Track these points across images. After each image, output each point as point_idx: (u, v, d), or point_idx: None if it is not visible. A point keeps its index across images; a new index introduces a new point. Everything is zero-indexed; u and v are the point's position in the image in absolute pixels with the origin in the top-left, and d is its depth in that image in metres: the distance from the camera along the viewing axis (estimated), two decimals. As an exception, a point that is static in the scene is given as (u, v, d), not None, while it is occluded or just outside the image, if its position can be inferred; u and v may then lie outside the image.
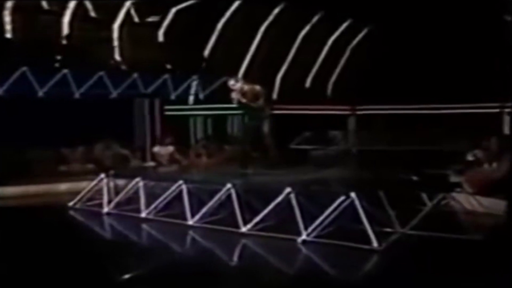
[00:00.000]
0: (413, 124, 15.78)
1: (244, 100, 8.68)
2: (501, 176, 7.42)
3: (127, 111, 12.35)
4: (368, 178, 8.12)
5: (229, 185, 7.50)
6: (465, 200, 7.61)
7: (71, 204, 8.95)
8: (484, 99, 14.78)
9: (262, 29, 15.32)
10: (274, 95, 16.15)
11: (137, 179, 8.48)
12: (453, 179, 9.44)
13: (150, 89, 12.32)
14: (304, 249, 6.39)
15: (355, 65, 16.97)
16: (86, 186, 9.51)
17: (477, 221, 6.90)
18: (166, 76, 12.69)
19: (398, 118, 16.29)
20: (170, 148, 11.66)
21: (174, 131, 12.58)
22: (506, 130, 14.91)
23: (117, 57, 12.45)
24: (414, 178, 8.53)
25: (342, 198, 6.61)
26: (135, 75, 12.13)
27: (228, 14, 14.64)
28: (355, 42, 17.15)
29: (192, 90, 13.91)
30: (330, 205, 6.69)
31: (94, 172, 10.65)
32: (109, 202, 8.58)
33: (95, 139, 11.30)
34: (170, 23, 13.93)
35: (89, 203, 8.91)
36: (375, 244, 6.13)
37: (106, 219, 8.20)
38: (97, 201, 8.89)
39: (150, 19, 14.10)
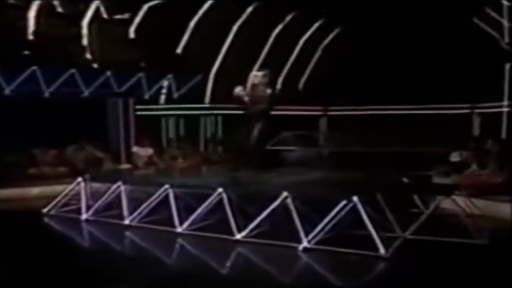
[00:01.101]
0: (386, 124, 15.68)
1: (246, 100, 8.15)
2: (504, 179, 7.21)
3: (100, 111, 11.61)
4: (360, 180, 7.75)
5: (220, 189, 7.01)
6: (461, 203, 7.34)
7: (45, 210, 8.24)
8: (455, 100, 14.81)
9: (235, 28, 14.87)
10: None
11: (119, 183, 7.86)
12: (438, 180, 9.24)
13: (124, 88, 11.63)
14: (306, 257, 5.96)
15: (326, 65, 16.72)
16: (59, 190, 8.84)
17: (477, 224, 6.62)
18: (141, 74, 12.03)
19: (371, 118, 16.19)
20: (150, 150, 11.04)
21: (147, 132, 11.95)
22: (476, 131, 14.98)
23: (88, 54, 11.71)
24: (405, 180, 8.24)
25: (344, 202, 6.25)
26: (108, 73, 11.41)
27: (201, 12, 14.11)
28: (326, 41, 16.91)
29: (164, 90, 13.28)
30: (329, 209, 6.35)
31: (67, 175, 9.99)
32: (88, 207, 7.93)
33: (66, 140, 10.53)
34: (142, 20, 13.30)
35: (65, 209, 8.23)
36: (382, 250, 5.77)
37: (85, 227, 7.52)
38: (73, 207, 8.22)
39: (120, 16, 13.42)
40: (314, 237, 6.16)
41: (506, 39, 10.54)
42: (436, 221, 6.63)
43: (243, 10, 14.75)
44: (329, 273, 5.59)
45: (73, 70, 10.84)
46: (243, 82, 15.49)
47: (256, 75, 8.30)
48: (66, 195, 8.31)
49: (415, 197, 7.96)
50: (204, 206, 7.01)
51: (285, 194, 6.58)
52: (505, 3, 12.69)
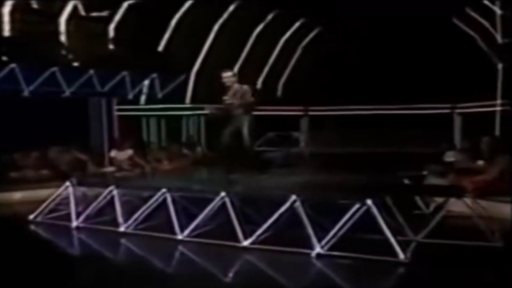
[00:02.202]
0: (367, 124, 15.53)
1: (230, 101, 7.73)
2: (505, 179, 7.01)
3: (82, 111, 10.96)
4: (363, 182, 7.43)
5: (223, 193, 6.58)
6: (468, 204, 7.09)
7: (31, 217, 7.63)
8: (436, 100, 14.75)
9: (216, 27, 14.42)
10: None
11: (111, 188, 7.33)
12: (434, 181, 9.03)
13: (107, 87, 11.00)
14: (321, 264, 5.59)
15: (306, 64, 16.45)
16: (43, 194, 8.29)
17: (488, 226, 6.38)
18: (124, 73, 11.44)
19: (352, 118, 16.00)
20: (129, 152, 10.46)
21: (130, 133, 11.37)
22: (457, 131, 14.95)
23: (67, 52, 11.07)
24: (406, 182, 7.99)
25: (358, 205, 5.91)
26: (91, 72, 10.78)
27: (182, 10, 13.61)
28: (306, 41, 16.64)
29: (145, 89, 12.72)
30: (336, 213, 6.02)
31: (50, 178, 9.38)
32: (78, 214, 7.37)
33: (47, 142, 9.86)
34: (122, 18, 12.72)
35: (52, 215, 7.63)
36: (401, 256, 5.46)
37: (77, 235, 6.94)
38: (61, 213, 7.65)
39: (98, 14, 12.82)
40: (327, 242, 5.80)
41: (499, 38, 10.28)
42: (446, 224, 6.37)
43: (224, 9, 14.33)
44: (348, 281, 5.23)
45: (54, 69, 10.15)
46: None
47: (225, 76, 7.89)
48: (53, 200, 7.70)
49: (417, 199, 7.81)
50: (207, 211, 6.56)
51: (293, 197, 6.20)
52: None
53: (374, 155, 13.13)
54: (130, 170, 10.15)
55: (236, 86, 7.76)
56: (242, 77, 15.37)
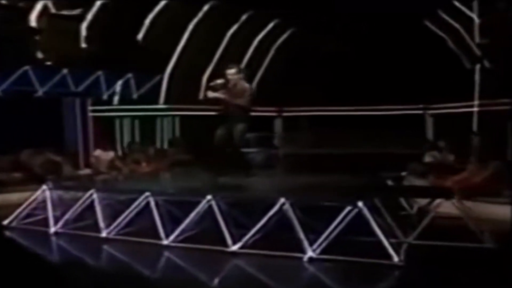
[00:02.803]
0: (341, 125, 15.50)
1: (224, 97, 7.41)
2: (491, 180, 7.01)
3: (55, 111, 10.50)
4: (351, 184, 7.33)
5: (209, 197, 6.36)
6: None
7: (6, 222, 7.22)
8: (408, 101, 14.81)
9: (191, 26, 14.14)
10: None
11: (91, 191, 7.00)
12: (414, 182, 9.00)
13: (81, 87, 10.57)
14: (313, 269, 5.45)
15: (280, 65, 16.32)
16: (15, 198, 7.94)
17: (477, 227, 6.33)
18: (99, 73, 11.03)
19: (326, 119, 15.95)
20: (111, 154, 10.11)
21: (105, 135, 11.00)
22: (430, 132, 15.06)
23: (39, 51, 10.61)
24: (390, 183, 7.93)
25: (349, 208, 5.79)
26: (65, 71, 10.33)
27: (156, 10, 13.27)
28: (279, 42, 16.51)
29: (118, 89, 12.32)
30: (326, 215, 5.89)
31: (23, 182, 8.96)
32: (56, 219, 7.02)
33: (20, 144, 9.38)
34: (95, 17, 12.31)
35: (28, 221, 7.26)
36: (395, 258, 5.36)
37: (57, 241, 6.62)
38: (37, 218, 7.28)
39: (69, 12, 12.37)
40: (319, 245, 5.66)
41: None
42: (434, 225, 6.30)
43: (199, 9, 14.06)
44: (343, 285, 5.11)
45: (26, 67, 9.69)
46: (197, 82, 15.01)
47: (230, 73, 7.42)
48: (29, 204, 7.32)
49: (401, 200, 7.75)
50: (193, 215, 6.32)
51: (282, 200, 6.03)
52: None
53: (351, 156, 13.08)
54: (108, 173, 9.78)
55: (237, 82, 7.35)
56: (214, 77, 15.43)
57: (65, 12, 12.35)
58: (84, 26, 12.21)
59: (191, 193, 6.73)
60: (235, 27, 15.05)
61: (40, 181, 8.70)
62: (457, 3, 13.08)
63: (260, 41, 16.00)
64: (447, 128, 13.86)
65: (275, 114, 16.59)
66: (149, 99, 12.04)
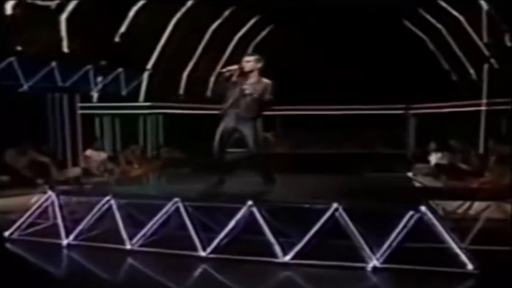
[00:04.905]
0: (319, 125, 15.13)
1: (248, 92, 6.55)
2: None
3: (41, 108, 9.37)
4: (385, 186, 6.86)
5: (250, 202, 5.65)
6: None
7: (7, 234, 6.21)
8: (389, 101, 14.58)
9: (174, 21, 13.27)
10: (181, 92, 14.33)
11: (108, 197, 6.13)
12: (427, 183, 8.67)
13: (69, 82, 9.49)
14: (380, 279, 4.89)
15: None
16: (4, 205, 6.94)
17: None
18: (89, 67, 9.99)
19: (302, 119, 15.52)
20: (103, 155, 9.15)
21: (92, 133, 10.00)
22: (412, 133, 14.86)
23: (18, 42, 9.51)
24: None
25: (411, 213, 5.26)
26: (53, 64, 9.24)
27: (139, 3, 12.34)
28: (258, 39, 15.91)
29: (99, 85, 11.29)
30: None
31: (7, 185, 7.94)
32: (66, 229, 6.09)
33: (3, 143, 8.25)
34: (75, 8, 11.26)
35: (29, 231, 6.28)
36: (469, 266, 4.89)
37: (73, 255, 5.72)
38: (39, 227, 6.35)
39: (44, 3, 11.27)
40: (382, 254, 5.10)
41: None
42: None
43: (182, 4, 13.22)
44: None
45: (11, 59, 8.56)
46: (179, 79, 14.19)
47: (248, 60, 6.58)
48: (33, 212, 6.34)
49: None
50: (233, 223, 5.60)
51: (335, 205, 5.44)
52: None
53: (332, 156, 12.68)
54: (101, 175, 8.84)
55: (255, 76, 6.58)
56: (195, 73, 14.70)
57: (40, 2, 11.28)
58: (63, 17, 11.18)
59: (229, 199, 5.99)
60: (217, 22, 14.34)
61: (26, 184, 7.81)
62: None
63: (240, 38, 15.37)
64: (427, 128, 13.73)
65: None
66: (134, 96, 11.08)
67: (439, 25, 13.75)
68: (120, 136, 11.36)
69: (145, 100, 12.56)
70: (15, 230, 6.22)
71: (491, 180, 7.28)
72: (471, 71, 13.20)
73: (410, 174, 9.44)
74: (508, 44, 10.69)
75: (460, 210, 6.65)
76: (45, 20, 10.64)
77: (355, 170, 9.31)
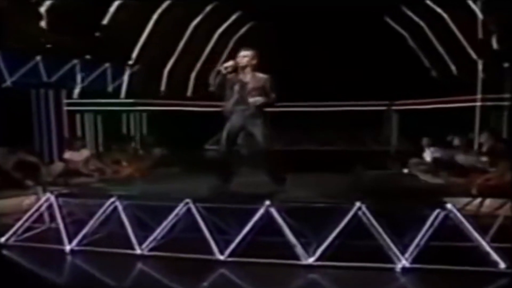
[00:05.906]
0: (299, 123, 14.97)
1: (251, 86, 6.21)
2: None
3: (26, 104, 8.77)
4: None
5: (267, 202, 5.36)
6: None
7: (3, 239, 5.73)
8: (372, 98, 14.53)
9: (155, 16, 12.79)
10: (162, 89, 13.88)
11: (113, 199, 5.73)
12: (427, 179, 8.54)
13: (55, 77, 8.92)
14: (410, 279, 4.69)
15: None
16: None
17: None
18: (75, 62, 9.43)
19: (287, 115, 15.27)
20: (85, 153, 8.65)
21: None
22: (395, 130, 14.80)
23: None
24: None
25: (438, 211, 5.09)
26: (38, 58, 8.65)
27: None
28: (238, 35, 15.58)
29: (79, 80, 10.75)
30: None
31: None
32: (68, 233, 5.65)
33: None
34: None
35: (26, 236, 5.82)
36: (502, 265, 4.74)
37: (80, 262, 5.29)
38: (35, 232, 5.89)
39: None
40: (411, 253, 4.90)
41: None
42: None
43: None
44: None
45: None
46: (157, 77, 13.73)
47: (245, 55, 6.24)
48: (30, 216, 5.87)
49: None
50: (250, 225, 5.30)
51: (358, 204, 5.20)
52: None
53: (323, 154, 12.53)
54: (90, 175, 8.36)
55: (252, 72, 6.24)
56: (178, 70, 14.29)
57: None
58: (42, 10, 10.59)
59: (246, 200, 5.68)
60: (199, 18, 13.93)
61: (15, 185, 7.33)
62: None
63: (221, 34, 15.01)
64: (410, 125, 13.68)
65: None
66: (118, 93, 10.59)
67: (421, 23, 13.74)
68: (104, 133, 10.84)
69: (127, 97, 12.10)
70: (12, 235, 5.74)
71: (496, 176, 7.16)
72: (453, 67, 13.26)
73: (405, 170, 9.31)
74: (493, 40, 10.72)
75: (469, 207, 6.50)
76: (27, 13, 10.07)
77: (347, 168, 9.09)
